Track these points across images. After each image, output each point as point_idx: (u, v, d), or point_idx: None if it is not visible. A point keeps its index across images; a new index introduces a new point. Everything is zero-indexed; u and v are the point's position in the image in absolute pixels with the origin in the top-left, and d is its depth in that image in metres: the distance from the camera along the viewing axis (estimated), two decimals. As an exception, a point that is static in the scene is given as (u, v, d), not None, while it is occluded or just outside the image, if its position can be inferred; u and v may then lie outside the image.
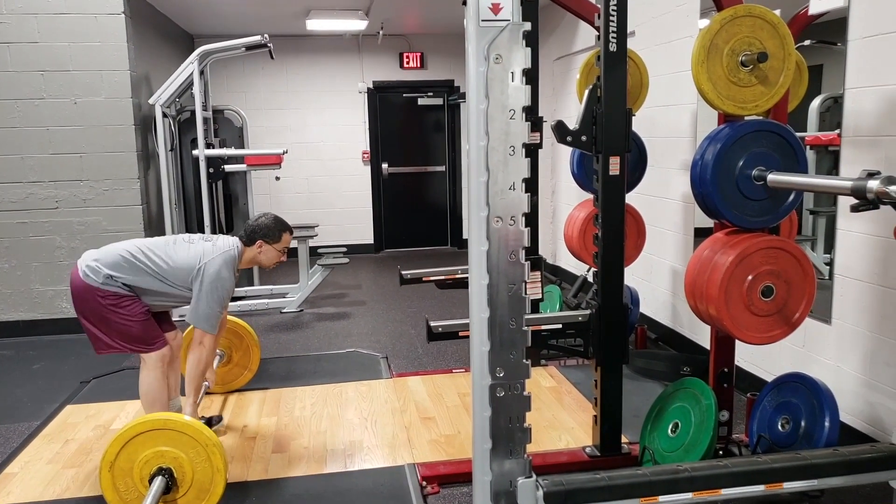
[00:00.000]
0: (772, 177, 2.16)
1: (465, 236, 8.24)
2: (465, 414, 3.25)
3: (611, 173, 2.56)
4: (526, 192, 1.27)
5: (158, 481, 2.24)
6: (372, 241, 8.08)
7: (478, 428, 1.32)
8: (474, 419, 1.33)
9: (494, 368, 1.30)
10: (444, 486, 2.63)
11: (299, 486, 2.64)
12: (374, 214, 8.06)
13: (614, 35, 2.48)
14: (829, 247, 3.09)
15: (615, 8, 2.46)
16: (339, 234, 7.65)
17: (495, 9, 1.20)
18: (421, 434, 3.03)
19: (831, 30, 3.06)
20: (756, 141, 2.40)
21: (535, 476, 1.35)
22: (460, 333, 2.63)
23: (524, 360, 1.32)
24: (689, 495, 1.40)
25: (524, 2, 3.54)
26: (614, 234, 2.61)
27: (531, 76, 3.61)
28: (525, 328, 1.30)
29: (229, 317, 3.55)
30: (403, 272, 3.66)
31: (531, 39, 3.56)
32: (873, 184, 1.74)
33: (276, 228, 2.94)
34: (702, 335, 3.90)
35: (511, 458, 1.33)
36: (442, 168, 8.21)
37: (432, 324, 2.60)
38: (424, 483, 2.61)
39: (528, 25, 1.24)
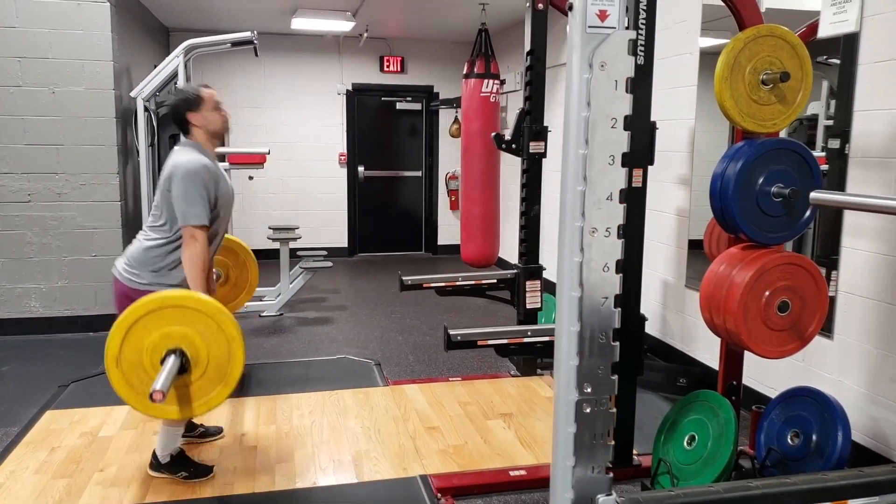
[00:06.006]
0: (814, 195, 2.19)
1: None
2: (470, 423, 3.20)
3: (633, 185, 2.57)
4: (622, 202, 1.25)
5: (171, 358, 2.07)
6: (346, 245, 7.97)
7: (560, 444, 1.28)
8: (556, 435, 1.29)
9: (582, 384, 1.27)
10: (459, 499, 2.58)
11: (312, 498, 2.55)
12: (349, 218, 7.95)
13: (643, 48, 2.49)
14: (819, 264, 3.18)
15: (644, 22, 2.48)
16: (312, 236, 7.50)
17: (602, 15, 1.17)
18: (428, 444, 2.97)
19: (815, 52, 3.15)
20: (775, 158, 2.45)
21: (614, 494, 1.33)
22: (479, 343, 2.59)
23: (612, 376, 1.29)
24: (758, 512, 1.40)
25: (535, 12, 3.53)
26: (634, 246, 2.62)
27: (538, 85, 3.63)
28: (614, 342, 1.27)
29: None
30: (404, 278, 3.60)
31: (540, 49, 3.58)
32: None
33: (188, 96, 2.63)
34: (693, 347, 3.96)
35: (593, 474, 1.29)
36: (418, 173, 8.17)
37: (451, 332, 2.55)
38: (439, 495, 2.56)
39: (633, 34, 1.22)
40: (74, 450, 2.88)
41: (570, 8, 1.19)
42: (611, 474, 1.32)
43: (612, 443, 1.30)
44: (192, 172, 2.50)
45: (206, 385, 2.16)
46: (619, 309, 1.28)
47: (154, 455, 2.66)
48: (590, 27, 1.17)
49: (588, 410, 1.28)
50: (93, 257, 4.65)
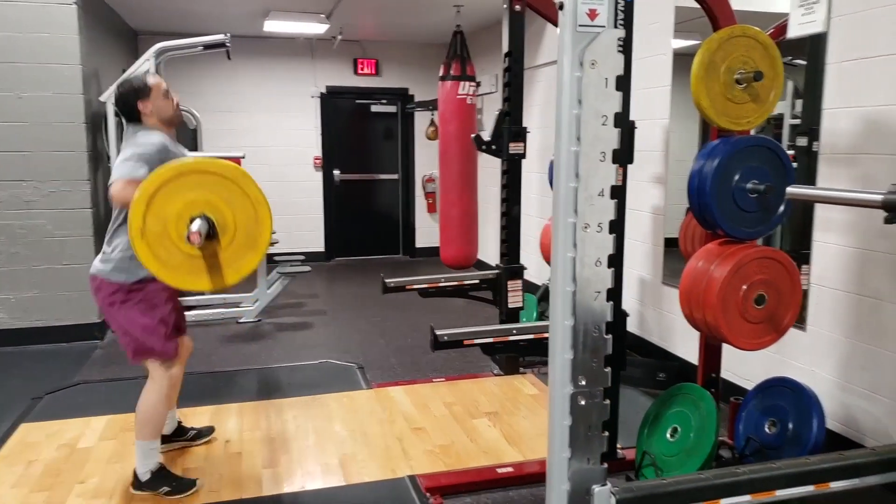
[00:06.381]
0: (791, 189, 2.25)
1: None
2: (455, 423, 3.21)
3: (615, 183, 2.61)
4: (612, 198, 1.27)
5: (198, 220, 2.02)
6: (323, 249, 7.91)
7: (556, 437, 1.30)
8: (552, 428, 1.31)
9: (577, 377, 1.29)
10: (447, 497, 2.59)
11: (301, 502, 2.53)
12: (326, 222, 7.90)
13: (621, 48, 2.52)
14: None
15: (622, 22, 2.51)
16: (288, 241, 7.42)
17: (592, 14, 1.20)
18: (415, 445, 2.98)
19: (781, 53, 3.25)
20: (751, 155, 2.51)
21: (609, 484, 1.35)
22: (465, 342, 2.60)
23: (605, 368, 1.31)
24: (747, 497, 1.44)
25: (512, 14, 3.56)
26: (616, 243, 2.66)
27: (516, 86, 3.67)
28: (607, 336, 1.30)
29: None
30: (387, 280, 3.60)
31: (518, 50, 3.61)
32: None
33: (136, 85, 2.46)
34: (671, 342, 4.03)
35: (588, 465, 1.32)
36: (395, 176, 8.16)
37: (438, 332, 2.56)
38: (428, 495, 2.56)
39: (622, 32, 1.25)
40: (52, 462, 2.82)
41: (561, 7, 1.21)
42: (605, 465, 1.35)
43: (607, 434, 1.33)
44: (140, 143, 2.34)
45: (237, 251, 2.12)
46: (612, 303, 1.31)
47: (135, 474, 2.58)
48: (580, 26, 1.20)
49: (583, 403, 1.30)
50: (64, 266, 4.55)
